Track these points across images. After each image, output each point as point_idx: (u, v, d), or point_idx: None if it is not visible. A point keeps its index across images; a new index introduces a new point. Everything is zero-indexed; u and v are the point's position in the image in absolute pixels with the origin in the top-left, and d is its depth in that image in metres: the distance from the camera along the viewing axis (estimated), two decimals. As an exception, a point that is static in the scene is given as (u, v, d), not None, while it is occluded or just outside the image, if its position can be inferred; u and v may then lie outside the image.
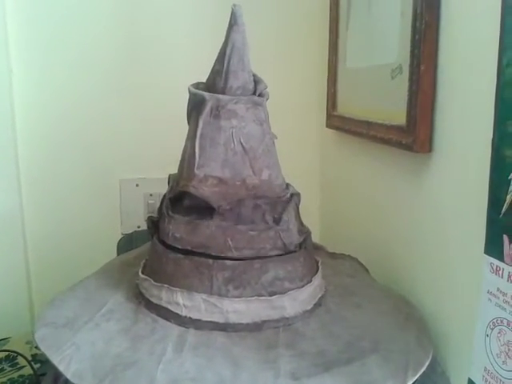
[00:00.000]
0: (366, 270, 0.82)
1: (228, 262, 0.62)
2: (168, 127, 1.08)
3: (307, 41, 1.14)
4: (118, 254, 0.97)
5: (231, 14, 0.67)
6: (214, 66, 0.69)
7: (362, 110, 0.89)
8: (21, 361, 0.88)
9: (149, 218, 0.73)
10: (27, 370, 0.86)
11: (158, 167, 1.09)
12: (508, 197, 0.51)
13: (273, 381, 0.53)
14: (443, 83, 0.66)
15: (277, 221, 0.65)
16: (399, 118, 0.72)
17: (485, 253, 0.55)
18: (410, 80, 0.68)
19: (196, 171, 0.65)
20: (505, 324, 0.52)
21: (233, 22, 0.67)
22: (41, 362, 0.87)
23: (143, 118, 1.11)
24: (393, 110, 0.75)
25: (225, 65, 0.66)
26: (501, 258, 0.52)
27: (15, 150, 1.06)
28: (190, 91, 0.69)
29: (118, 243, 1.02)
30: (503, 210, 0.52)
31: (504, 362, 0.52)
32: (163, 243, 0.67)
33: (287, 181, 0.73)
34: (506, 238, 0.52)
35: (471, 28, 0.60)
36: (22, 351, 0.88)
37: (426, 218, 0.71)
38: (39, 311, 0.67)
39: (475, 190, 0.58)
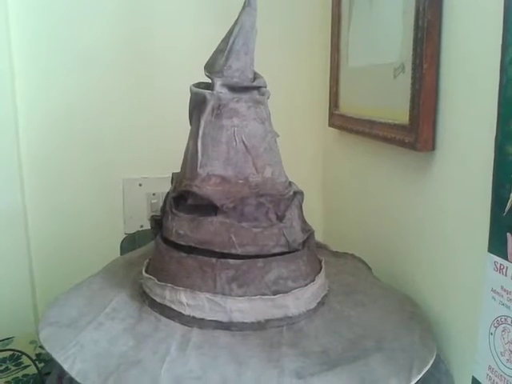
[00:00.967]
0: (369, 269, 0.82)
1: (231, 261, 0.62)
2: (171, 127, 1.08)
3: (309, 40, 1.14)
4: (121, 254, 0.97)
5: None
6: (218, 45, 0.69)
7: (364, 108, 0.89)
8: (25, 360, 0.89)
9: (152, 217, 0.73)
10: (31, 370, 0.86)
11: (161, 167, 1.09)
12: (512, 195, 0.51)
13: (277, 379, 0.53)
14: (446, 82, 0.66)
15: (280, 218, 0.65)
16: (402, 116, 0.72)
17: (488, 251, 0.55)
18: (413, 79, 0.68)
19: (199, 170, 0.65)
20: (509, 322, 0.52)
21: (246, 4, 0.67)
22: (45, 361, 0.87)
23: (146, 117, 1.11)
24: (395, 108, 0.75)
25: (229, 44, 0.66)
26: (505, 256, 0.52)
27: (18, 149, 1.06)
28: (191, 90, 0.69)
29: (121, 243, 1.02)
30: (507, 208, 0.52)
31: (508, 361, 0.52)
32: (167, 242, 0.67)
33: (290, 179, 0.73)
34: (509, 236, 0.52)
35: (474, 26, 0.60)
36: (26, 350, 0.89)
37: (429, 217, 0.71)
38: (43, 310, 0.67)
39: (478, 188, 0.58)
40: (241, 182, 0.65)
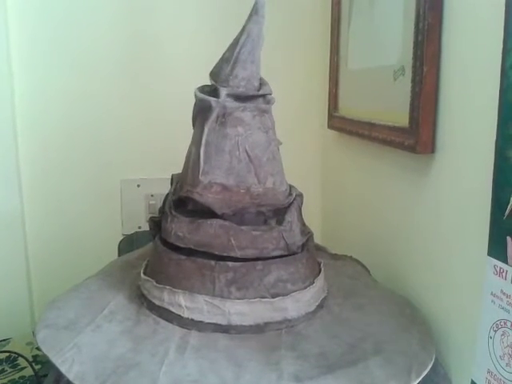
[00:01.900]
0: (368, 272, 0.82)
1: (230, 264, 0.62)
2: (169, 128, 1.09)
3: (309, 41, 1.14)
4: (119, 255, 0.96)
5: (254, 3, 0.66)
6: (224, 53, 0.68)
7: (364, 111, 0.89)
8: (22, 362, 0.88)
9: (150, 218, 0.73)
10: (28, 371, 0.86)
11: (159, 168, 1.10)
12: (512, 198, 0.51)
13: (276, 383, 0.52)
14: (446, 84, 0.65)
15: (279, 221, 0.65)
16: (402, 119, 0.72)
17: (488, 254, 0.55)
18: (413, 81, 0.68)
19: (201, 178, 0.64)
20: (508, 326, 0.52)
21: (253, 12, 0.66)
22: (42, 363, 0.87)
23: (144, 118, 1.11)
24: (395, 111, 0.75)
25: (235, 53, 0.65)
26: (504, 259, 0.52)
27: (16, 150, 1.05)
28: (196, 95, 0.68)
29: (119, 244, 1.02)
30: (507, 211, 0.51)
31: (508, 365, 0.52)
32: (165, 244, 0.67)
33: (288, 181, 0.73)
34: (509, 239, 0.51)
35: (474, 29, 0.60)
36: (23, 352, 0.88)
37: (428, 219, 0.70)
38: (41, 312, 0.67)
39: (478, 192, 0.58)
40: (242, 191, 0.64)
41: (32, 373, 0.83)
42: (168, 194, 0.71)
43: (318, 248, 0.83)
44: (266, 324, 0.62)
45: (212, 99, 0.65)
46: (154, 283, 0.65)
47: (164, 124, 1.10)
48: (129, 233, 1.09)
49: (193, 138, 0.69)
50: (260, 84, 0.69)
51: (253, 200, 0.64)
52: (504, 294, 0.53)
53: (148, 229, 0.75)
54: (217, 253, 0.62)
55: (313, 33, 1.13)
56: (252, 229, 0.63)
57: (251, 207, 0.64)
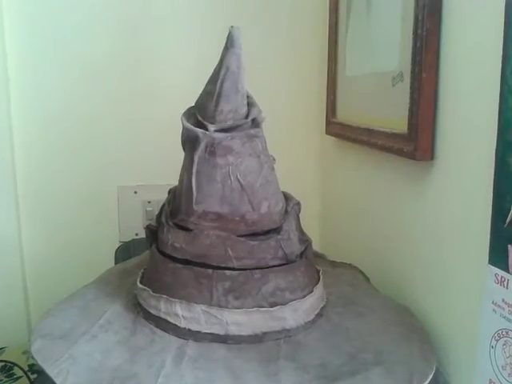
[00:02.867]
0: (368, 279, 0.81)
1: (228, 273, 0.61)
2: (166, 134, 1.06)
3: (306, 48, 1.13)
4: (116, 262, 0.96)
5: (228, 35, 0.63)
6: (206, 86, 0.67)
7: (362, 117, 0.88)
8: (17, 371, 0.87)
9: (147, 226, 0.72)
10: (23, 381, 0.85)
11: (157, 174, 1.09)
12: (513, 206, 0.50)
13: (274, 395, 0.52)
14: (445, 90, 0.65)
15: (277, 230, 0.64)
16: (400, 125, 0.71)
17: (489, 263, 0.54)
18: (412, 87, 0.68)
19: (194, 207, 0.63)
20: (510, 336, 0.52)
21: (229, 45, 0.63)
22: (38, 372, 0.86)
23: (141, 124, 1.10)
24: (394, 117, 0.74)
25: (217, 87, 0.63)
26: (506, 268, 0.52)
27: (12, 155, 1.05)
28: (183, 124, 0.66)
29: (116, 251, 1.01)
30: (508, 219, 0.51)
31: (510, 375, 0.52)
32: (162, 253, 0.66)
33: (286, 189, 0.72)
34: (511, 248, 0.51)
35: (473, 35, 0.59)
36: (19, 361, 0.88)
37: (427, 227, 0.70)
38: (36, 322, 0.66)
39: (478, 199, 0.57)
40: (237, 219, 0.63)
41: (28, 382, 0.82)
42: (164, 203, 0.70)
43: (317, 255, 0.82)
44: (265, 334, 0.61)
45: (199, 131, 0.64)
46: (151, 292, 0.64)
47: (161, 131, 1.09)
48: (126, 240, 1.08)
49: (183, 164, 0.68)
50: (248, 106, 0.67)
51: (248, 228, 0.64)
52: (505, 303, 0.52)
53: (145, 236, 0.75)
54: (214, 264, 0.61)
55: (310, 39, 1.13)
56: (249, 239, 0.63)
57: (247, 233, 0.64)
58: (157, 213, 0.72)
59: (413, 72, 0.67)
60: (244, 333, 0.60)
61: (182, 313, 0.61)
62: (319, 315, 0.66)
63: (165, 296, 0.62)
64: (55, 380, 0.53)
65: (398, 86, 0.73)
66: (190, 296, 0.61)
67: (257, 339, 0.60)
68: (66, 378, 0.53)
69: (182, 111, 0.70)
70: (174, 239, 0.64)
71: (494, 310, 0.54)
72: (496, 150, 0.52)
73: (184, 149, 0.69)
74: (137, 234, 1.11)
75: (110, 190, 1.12)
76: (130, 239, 1.06)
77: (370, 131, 0.82)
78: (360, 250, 0.94)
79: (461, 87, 0.62)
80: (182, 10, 1.09)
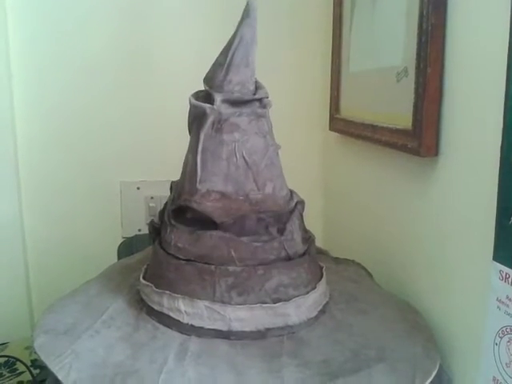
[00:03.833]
0: (370, 276, 0.81)
1: (231, 269, 0.60)
2: (169, 130, 1.08)
3: (310, 43, 1.13)
4: (119, 258, 0.96)
5: (246, 6, 0.64)
6: (217, 58, 0.67)
7: (366, 113, 0.88)
8: (20, 366, 0.88)
9: (150, 222, 0.72)
10: (26, 376, 0.85)
11: (160, 170, 1.09)
12: (518, 202, 0.50)
13: (277, 391, 0.51)
14: (450, 86, 0.64)
15: (281, 231, 0.64)
16: (405, 121, 0.71)
17: (493, 259, 0.54)
18: (417, 83, 0.67)
19: (198, 186, 0.63)
20: (515, 333, 0.51)
21: (245, 15, 0.64)
22: (40, 367, 0.86)
23: (144, 120, 1.10)
24: (398, 113, 0.74)
25: (228, 57, 0.64)
26: (510, 264, 0.51)
27: (15, 151, 1.05)
28: (190, 102, 0.67)
29: (119, 247, 1.01)
30: (513, 216, 0.51)
31: (514, 372, 0.51)
32: (165, 250, 0.66)
33: (289, 185, 0.72)
34: (515, 244, 0.50)
35: (479, 31, 0.59)
36: (21, 356, 0.88)
37: (431, 224, 0.69)
38: (39, 317, 0.66)
39: (483, 195, 0.57)
40: (241, 198, 0.63)
41: (30, 378, 0.83)
42: (167, 201, 0.70)
43: (320, 252, 0.82)
44: (268, 330, 0.60)
45: (207, 106, 0.64)
46: (154, 288, 0.64)
47: (164, 126, 1.09)
48: (128, 235, 1.08)
49: (189, 146, 0.68)
50: (256, 87, 0.68)
51: (252, 207, 0.63)
52: (510, 299, 0.52)
53: (148, 232, 0.74)
54: (217, 265, 0.61)
55: (314, 34, 1.12)
56: (252, 240, 0.62)
57: (251, 214, 0.63)
58: (159, 209, 0.72)
59: (418, 67, 0.67)
60: (247, 329, 0.60)
61: (184, 308, 0.61)
62: (322, 312, 0.66)
63: (168, 292, 0.62)
64: (58, 375, 0.53)
65: (403, 82, 0.73)
66: (192, 292, 0.61)
67: (260, 335, 0.60)
68: (68, 374, 0.53)
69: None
70: (177, 239, 0.63)
71: (498, 306, 0.53)
72: (501, 146, 0.52)
73: (190, 132, 0.69)
74: (139, 230, 1.11)
75: (112, 186, 1.12)
76: (132, 235, 1.06)
77: (373, 127, 0.82)
78: (363, 246, 0.94)
79: (466, 83, 0.61)
80: (183, 1, 1.08)
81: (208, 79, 0.67)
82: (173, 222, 0.65)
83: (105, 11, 1.05)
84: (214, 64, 0.67)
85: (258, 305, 0.60)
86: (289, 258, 0.63)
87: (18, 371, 0.87)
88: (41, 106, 1.06)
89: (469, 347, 0.61)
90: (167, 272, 0.64)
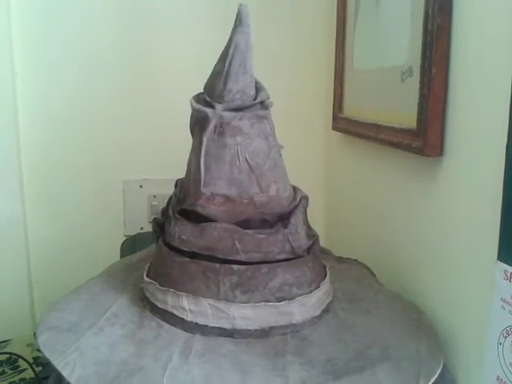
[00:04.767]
0: (374, 275, 0.81)
1: (235, 267, 0.61)
2: (172, 128, 1.07)
3: (313, 42, 1.13)
4: (122, 256, 0.96)
5: (237, 13, 0.65)
6: (215, 66, 0.67)
7: (370, 112, 0.88)
8: (22, 364, 0.87)
9: (154, 219, 0.72)
10: (29, 373, 0.85)
11: (162, 168, 1.09)
12: (524, 203, 0.50)
13: (282, 389, 0.51)
14: (455, 86, 0.64)
15: (285, 224, 0.64)
16: (409, 120, 0.71)
17: (498, 259, 0.54)
18: (421, 83, 0.67)
19: (202, 189, 0.63)
20: (519, 333, 0.51)
21: (238, 23, 0.65)
22: (43, 365, 0.86)
23: (147, 119, 1.10)
24: (403, 112, 0.74)
25: (226, 66, 0.64)
26: (515, 265, 0.51)
27: (18, 149, 1.05)
28: (192, 106, 0.67)
29: (122, 245, 1.01)
30: (518, 216, 0.51)
31: (518, 372, 0.51)
32: (169, 246, 0.66)
33: (292, 184, 0.72)
34: (520, 244, 0.51)
35: (484, 30, 0.59)
36: (24, 354, 0.87)
37: (436, 224, 0.69)
38: (42, 314, 0.66)
39: (488, 195, 0.57)
40: (245, 201, 0.63)
41: (33, 375, 0.82)
42: (171, 196, 0.70)
43: (323, 251, 0.82)
44: (271, 328, 0.61)
45: (208, 110, 0.64)
46: (158, 286, 0.64)
47: (167, 124, 1.09)
48: (131, 234, 1.08)
49: (192, 148, 0.68)
50: (256, 90, 0.68)
51: (256, 210, 0.63)
52: (515, 300, 0.52)
53: (150, 230, 0.74)
54: (221, 256, 0.61)
55: (318, 33, 1.12)
56: (257, 232, 0.62)
57: (255, 217, 0.63)
58: (162, 207, 0.72)
59: (422, 67, 0.67)
60: (251, 327, 0.60)
61: (188, 306, 0.61)
62: (326, 311, 0.66)
63: (172, 290, 0.62)
64: (62, 372, 0.53)
65: (407, 81, 0.73)
66: (197, 290, 0.61)
67: (264, 334, 0.60)
68: (73, 371, 0.53)
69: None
70: (182, 232, 0.63)
71: (502, 306, 0.53)
72: (507, 146, 0.52)
73: (192, 134, 0.69)
74: (142, 228, 1.11)
75: (115, 184, 1.11)
76: (135, 233, 1.06)
77: (377, 126, 0.82)
78: (366, 246, 0.94)
79: (471, 82, 0.61)
80: (185, 1, 1.08)
81: (208, 89, 0.67)
82: (177, 215, 0.65)
83: (109, 10, 1.05)
84: (212, 72, 0.67)
85: (262, 303, 0.60)
86: (293, 252, 0.63)
87: (20, 368, 0.87)
88: (44, 105, 1.06)
89: (473, 347, 0.61)
90: (171, 270, 0.64)
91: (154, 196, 1.12)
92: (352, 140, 0.99)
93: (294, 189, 0.70)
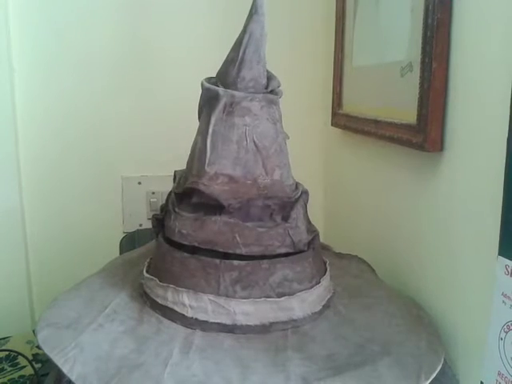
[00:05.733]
0: (373, 271, 0.81)
1: (235, 262, 0.61)
2: (170, 125, 1.08)
3: (312, 38, 1.13)
4: (121, 253, 0.96)
5: (253, 2, 0.65)
6: (228, 54, 0.67)
7: (369, 108, 0.87)
8: (21, 360, 0.87)
9: (153, 216, 0.72)
10: (28, 370, 0.85)
11: (161, 165, 1.09)
12: (525, 197, 0.50)
13: (283, 384, 0.51)
14: (455, 81, 0.64)
15: (285, 218, 0.64)
16: (409, 116, 0.70)
17: (499, 254, 0.54)
18: (422, 78, 0.67)
19: (207, 168, 0.63)
20: (520, 328, 0.51)
21: (253, 11, 0.65)
22: (42, 361, 0.86)
23: (146, 115, 1.09)
24: (402, 108, 0.74)
25: (240, 54, 0.65)
26: (516, 259, 0.51)
27: (16, 146, 1.04)
28: (202, 85, 0.67)
29: (121, 242, 1.01)
30: (519, 210, 0.51)
31: (519, 367, 0.51)
32: (169, 242, 0.66)
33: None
34: (522, 239, 0.50)
35: (485, 24, 0.59)
36: (23, 351, 0.87)
37: (436, 219, 0.69)
38: (42, 311, 0.65)
39: (488, 190, 0.57)
40: (249, 182, 0.63)
41: (32, 372, 0.82)
42: (170, 191, 0.70)
43: (323, 247, 0.82)
44: (272, 324, 0.61)
45: (219, 89, 0.65)
46: (158, 282, 0.64)
47: (166, 121, 1.09)
48: (130, 230, 1.07)
49: (199, 129, 0.68)
50: (268, 79, 0.68)
51: (260, 192, 0.63)
52: (515, 294, 0.52)
53: (150, 226, 0.74)
54: (221, 250, 0.61)
55: (317, 29, 1.12)
56: (257, 225, 0.62)
57: (258, 199, 0.63)
58: (161, 203, 0.72)
59: (423, 62, 0.67)
60: (251, 323, 0.60)
61: (189, 302, 0.61)
62: (326, 306, 0.66)
63: (172, 285, 0.62)
64: (62, 369, 0.53)
65: (407, 77, 0.72)
66: (197, 285, 0.61)
67: (264, 329, 0.60)
68: (73, 367, 0.53)
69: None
70: (182, 226, 0.63)
71: (503, 301, 0.53)
72: (508, 140, 0.52)
73: (200, 116, 0.69)
74: (141, 225, 1.11)
75: (114, 181, 1.11)
76: (134, 230, 1.06)
77: (377, 122, 0.82)
78: (365, 241, 0.94)
79: (472, 77, 0.61)
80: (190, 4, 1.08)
81: (221, 75, 0.68)
82: (176, 209, 0.65)
83: (107, 5, 1.05)
84: (225, 60, 0.68)
85: (262, 299, 0.60)
86: (293, 246, 0.63)
87: (19, 365, 0.87)
88: (42, 101, 1.05)
89: (474, 342, 0.60)
90: (171, 265, 0.64)
91: (153, 193, 1.12)
92: (351, 136, 0.99)
93: (296, 184, 0.70)
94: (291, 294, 0.62)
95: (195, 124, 0.70)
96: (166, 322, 0.62)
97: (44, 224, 1.09)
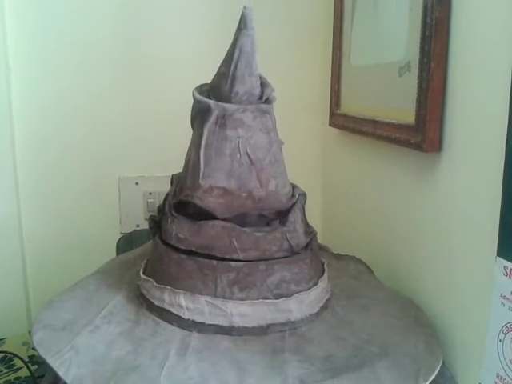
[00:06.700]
0: (371, 272, 0.81)
1: (233, 264, 0.60)
2: (168, 125, 1.07)
3: (310, 37, 1.12)
4: (118, 254, 0.95)
5: (241, 16, 0.64)
6: (219, 68, 0.67)
7: (367, 108, 0.87)
8: (17, 362, 0.87)
9: (150, 217, 0.71)
10: (24, 372, 0.84)
11: (158, 165, 1.08)
12: (524, 198, 0.49)
13: (281, 387, 0.51)
14: (454, 81, 0.64)
15: (283, 222, 0.64)
16: (407, 116, 0.70)
17: (498, 255, 0.53)
18: (420, 77, 0.67)
19: (201, 182, 0.63)
20: (519, 329, 0.51)
21: (242, 26, 0.64)
22: (38, 363, 0.85)
23: (143, 115, 1.09)
24: (401, 108, 0.73)
25: (231, 69, 0.64)
26: (515, 261, 0.51)
27: (13, 146, 1.04)
28: (194, 97, 0.66)
29: (118, 242, 1.01)
30: (518, 211, 0.50)
31: (518, 369, 0.51)
32: (166, 243, 0.65)
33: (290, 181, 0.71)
34: (520, 240, 0.50)
35: (484, 24, 0.58)
36: (19, 352, 0.87)
37: (434, 220, 0.69)
38: (37, 313, 0.65)
39: (487, 191, 0.57)
40: (244, 195, 0.63)
41: (28, 373, 0.82)
42: (168, 193, 0.69)
43: (321, 248, 0.81)
44: (269, 326, 0.60)
45: (211, 101, 0.64)
46: (154, 283, 0.64)
47: (163, 122, 1.09)
48: (127, 231, 1.07)
49: (192, 140, 0.68)
50: (262, 86, 0.67)
51: (255, 204, 0.63)
52: (514, 296, 0.51)
53: (147, 227, 0.74)
54: (218, 255, 0.61)
55: (315, 28, 1.11)
56: (255, 230, 0.62)
57: (253, 211, 0.63)
58: (158, 204, 0.72)
59: (421, 62, 0.66)
60: (248, 324, 0.60)
61: (185, 304, 0.60)
62: (324, 308, 0.66)
63: (169, 287, 0.62)
64: (58, 371, 0.53)
65: (406, 76, 0.72)
66: (194, 287, 0.60)
67: (261, 331, 0.60)
68: (68, 369, 0.53)
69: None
70: (179, 230, 0.63)
71: (502, 302, 0.53)
72: (506, 141, 0.52)
73: (193, 126, 0.69)
74: (138, 226, 1.10)
75: (111, 181, 1.11)
76: (131, 230, 1.06)
77: (375, 122, 0.81)
78: (363, 242, 0.93)
79: (470, 77, 0.61)
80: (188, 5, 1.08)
81: (213, 90, 0.67)
82: (174, 213, 0.65)
83: (104, 5, 1.04)
84: (217, 74, 0.67)
85: (259, 300, 0.60)
86: (291, 250, 0.63)
87: (15, 367, 0.86)
88: (39, 101, 1.05)
89: (472, 344, 0.60)
90: (168, 267, 0.63)
91: (150, 193, 1.12)
92: (349, 136, 0.99)
93: (292, 186, 0.70)
94: (289, 295, 0.61)
95: (192, 125, 0.70)
96: (162, 323, 0.61)
97: (40, 224, 1.08)
